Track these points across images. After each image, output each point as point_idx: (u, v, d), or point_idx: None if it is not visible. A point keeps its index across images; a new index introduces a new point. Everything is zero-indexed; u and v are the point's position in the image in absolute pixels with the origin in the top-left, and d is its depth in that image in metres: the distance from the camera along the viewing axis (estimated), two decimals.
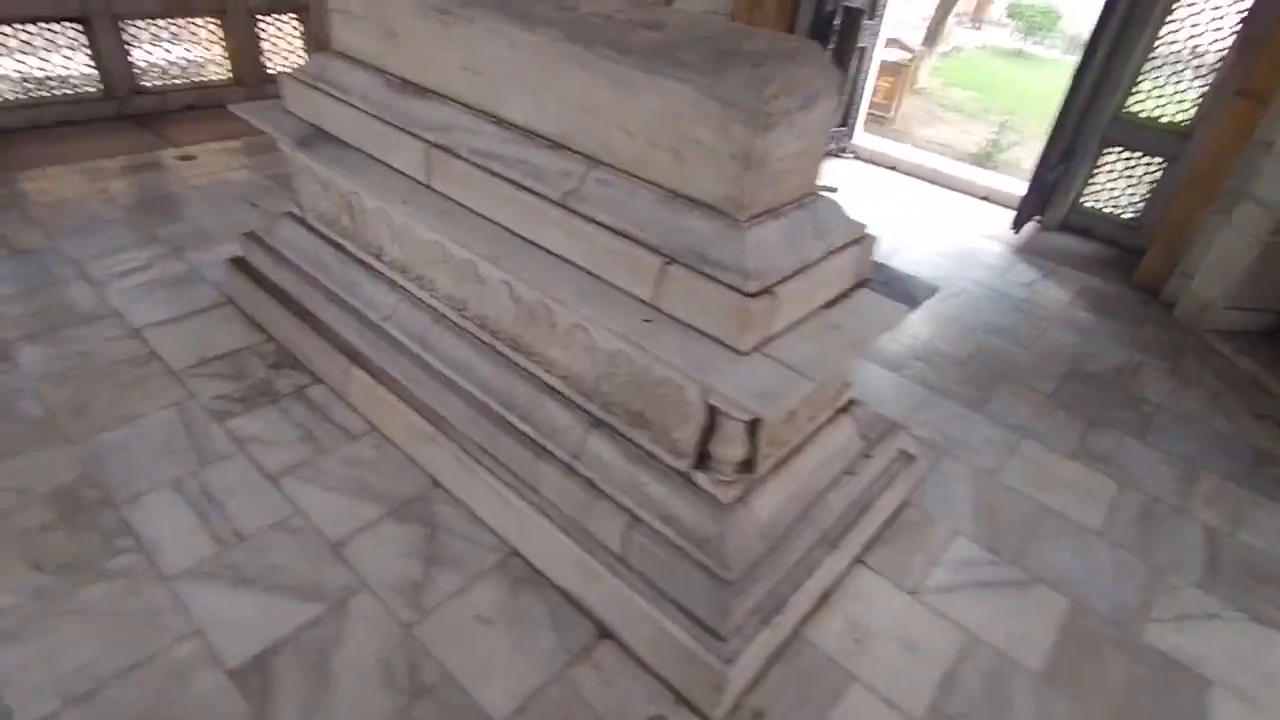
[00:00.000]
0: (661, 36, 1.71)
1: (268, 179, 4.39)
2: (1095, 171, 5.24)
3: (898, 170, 6.40)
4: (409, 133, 2.24)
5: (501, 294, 2.18)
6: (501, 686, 1.91)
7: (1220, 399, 3.63)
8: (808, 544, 2.11)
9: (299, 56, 5.70)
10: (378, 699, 1.84)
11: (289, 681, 1.86)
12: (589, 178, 1.89)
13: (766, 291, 1.64)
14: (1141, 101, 4.93)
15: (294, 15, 5.54)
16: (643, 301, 1.79)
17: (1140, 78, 4.88)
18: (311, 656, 1.92)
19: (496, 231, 2.05)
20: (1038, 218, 5.44)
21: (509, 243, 1.99)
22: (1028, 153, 9.34)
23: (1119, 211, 5.26)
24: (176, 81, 5.20)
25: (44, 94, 4.67)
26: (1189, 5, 4.59)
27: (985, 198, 5.96)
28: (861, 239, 1.96)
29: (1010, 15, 18.01)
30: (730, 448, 1.80)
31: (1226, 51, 4.50)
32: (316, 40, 5.59)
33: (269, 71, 5.53)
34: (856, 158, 6.58)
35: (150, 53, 5.02)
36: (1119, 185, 5.21)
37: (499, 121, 2.11)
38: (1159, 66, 4.81)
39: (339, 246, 2.76)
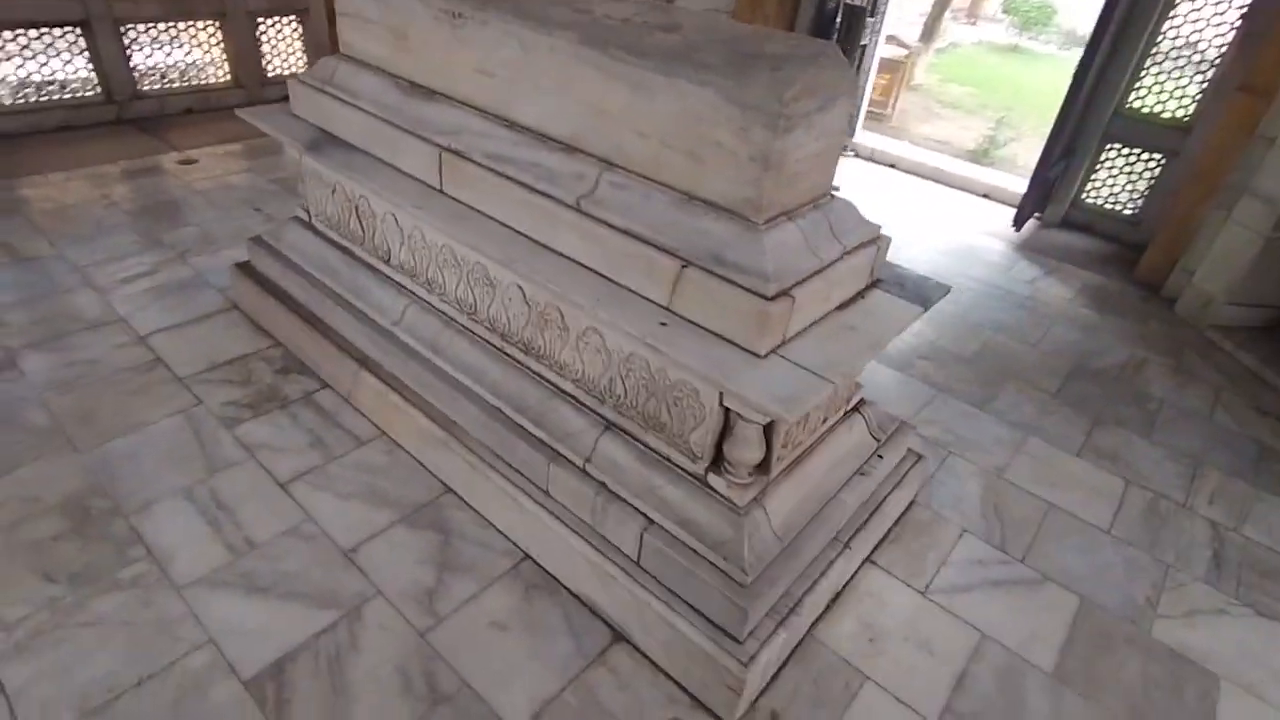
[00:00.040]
0: (679, 39, 1.70)
1: (271, 183, 4.38)
2: (1096, 168, 5.25)
3: (897, 168, 6.41)
4: (420, 136, 2.23)
5: (514, 297, 2.18)
6: (519, 692, 1.91)
7: (1223, 394, 3.65)
8: (821, 544, 2.12)
9: (299, 59, 5.68)
10: (396, 707, 1.84)
11: (305, 690, 1.85)
12: (603, 180, 1.88)
13: (785, 294, 1.64)
14: (1142, 97, 4.95)
15: (294, 17, 5.53)
16: (658, 305, 1.78)
17: (1141, 74, 4.89)
18: (327, 665, 1.91)
19: (510, 235, 2.04)
20: (1038, 214, 5.45)
21: (522, 246, 1.99)
22: (1025, 149, 9.35)
23: (1119, 208, 5.27)
24: (176, 85, 5.18)
25: (44, 99, 4.65)
26: (1190, 1, 4.60)
27: (985, 195, 5.97)
28: (876, 239, 1.96)
29: (1006, 10, 18.01)
30: (746, 450, 1.80)
31: (1227, 47, 4.51)
32: (316, 42, 5.57)
33: (269, 74, 5.51)
34: (856, 155, 6.58)
35: (150, 56, 5.00)
36: (1119, 181, 5.22)
37: (511, 124, 2.11)
38: (1160, 62, 4.82)
39: (347, 251, 2.75)
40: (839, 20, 5.53)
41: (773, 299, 1.62)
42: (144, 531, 2.20)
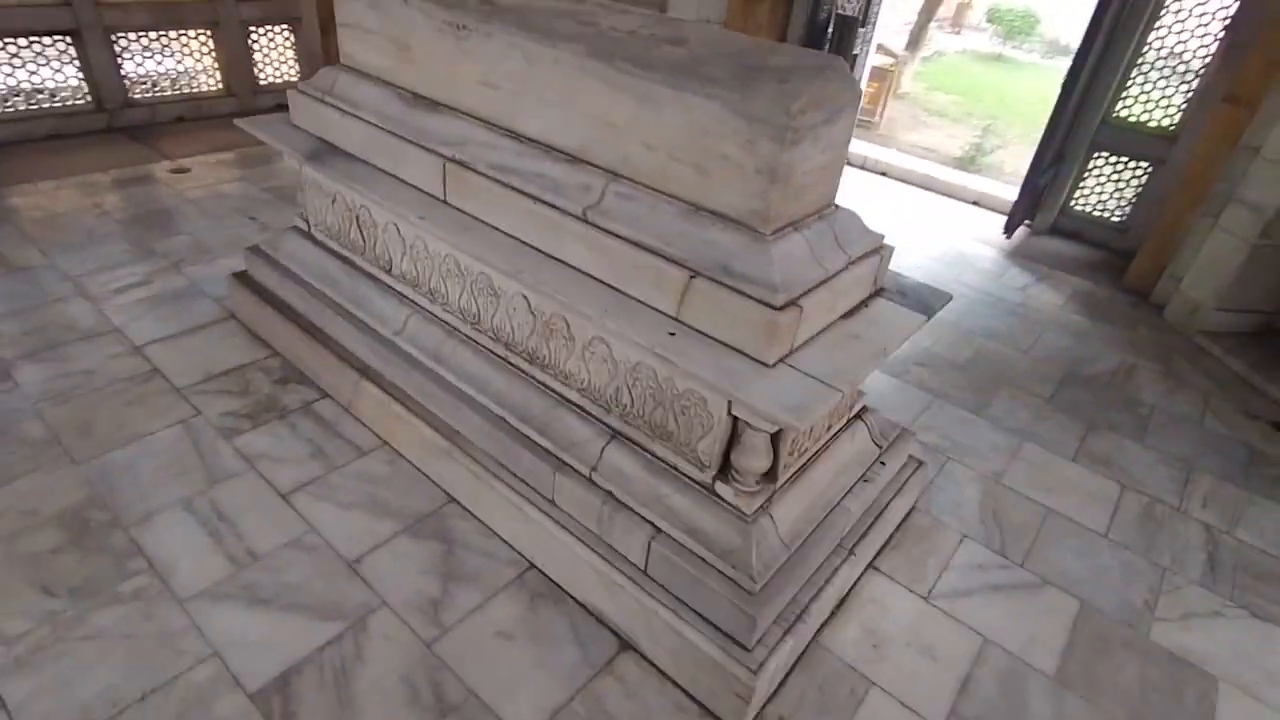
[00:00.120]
0: (685, 52, 1.72)
1: (265, 191, 4.36)
2: (1084, 176, 5.33)
3: (888, 175, 6.48)
4: (423, 147, 2.23)
5: (518, 307, 2.18)
6: (526, 702, 1.90)
7: (1212, 400, 3.70)
8: (826, 551, 2.13)
9: (291, 67, 5.66)
10: (403, 718, 1.83)
11: (311, 703, 1.84)
12: (609, 191, 1.89)
13: (793, 304, 1.65)
14: (1129, 106, 5.03)
15: (286, 26, 5.51)
16: (667, 315, 1.80)
17: (1128, 83, 4.97)
18: (333, 677, 1.90)
19: (515, 246, 2.05)
20: (1028, 221, 5.51)
21: (529, 257, 2.00)
22: (1010, 156, 9.48)
23: (1108, 215, 5.35)
24: (167, 93, 5.15)
25: (34, 107, 4.61)
26: (1175, 12, 4.69)
27: (975, 202, 6.04)
28: (880, 249, 1.98)
29: (989, 20, 18.27)
30: (753, 459, 1.81)
31: (1211, 58, 4.60)
32: (308, 52, 5.56)
33: (261, 83, 5.50)
34: (848, 164, 6.64)
35: (141, 64, 4.97)
36: (1107, 189, 5.30)
37: (515, 136, 2.12)
38: (1145, 72, 4.90)
39: (347, 260, 2.75)
40: (830, 30, 5.59)
41: (781, 309, 1.63)
42: (144, 544, 2.18)
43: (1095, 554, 2.65)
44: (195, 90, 5.29)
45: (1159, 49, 4.83)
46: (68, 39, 4.59)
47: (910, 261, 4.73)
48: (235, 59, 5.30)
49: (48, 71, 4.62)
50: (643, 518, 1.99)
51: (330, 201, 2.70)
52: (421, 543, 2.30)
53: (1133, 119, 5.04)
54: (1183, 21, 4.69)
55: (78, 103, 4.76)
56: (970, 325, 4.11)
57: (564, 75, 1.92)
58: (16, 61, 4.48)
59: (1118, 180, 5.23)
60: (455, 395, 2.37)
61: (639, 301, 1.84)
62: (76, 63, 4.67)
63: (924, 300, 2.07)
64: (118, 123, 4.89)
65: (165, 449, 2.51)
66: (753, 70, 1.62)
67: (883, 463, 2.38)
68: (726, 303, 1.68)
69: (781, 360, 1.70)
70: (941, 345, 3.86)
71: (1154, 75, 4.89)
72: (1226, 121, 4.16)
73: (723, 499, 1.90)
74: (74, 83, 4.73)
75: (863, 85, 6.58)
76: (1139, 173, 5.11)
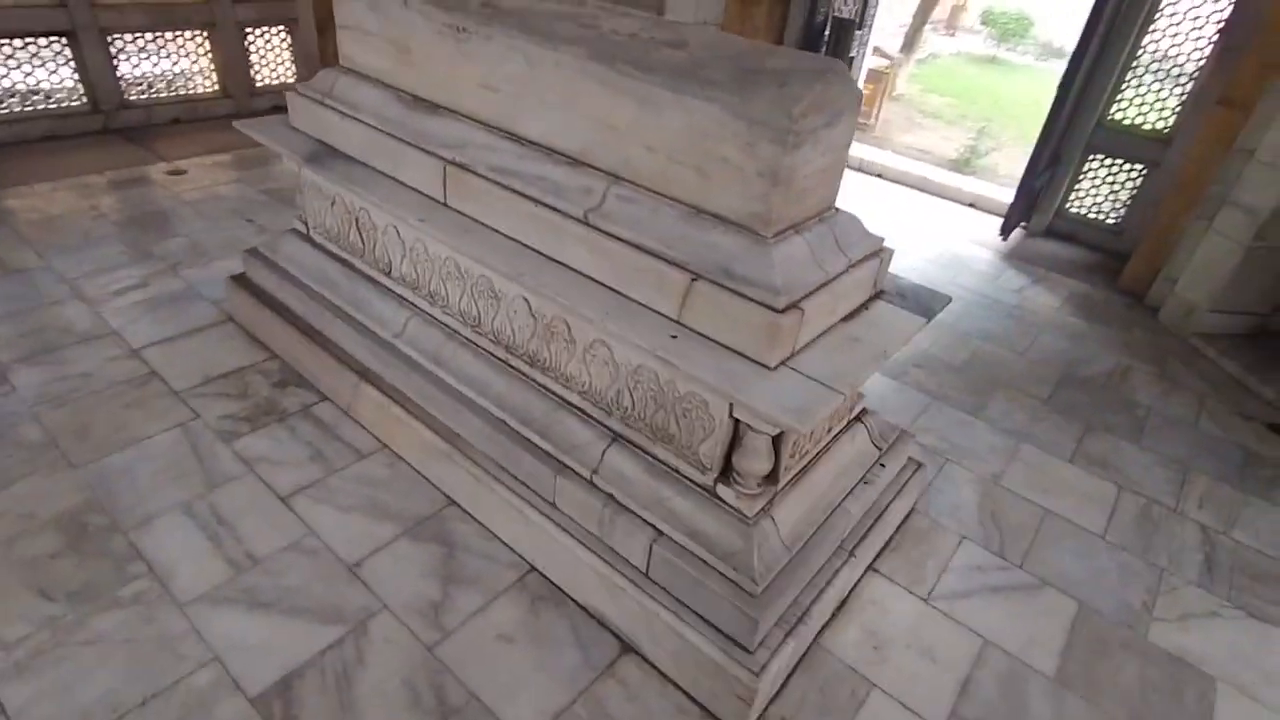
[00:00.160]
0: (685, 55, 1.73)
1: (262, 193, 4.35)
2: (1079, 178, 5.35)
3: (884, 177, 6.50)
4: (423, 149, 2.23)
5: (519, 310, 2.18)
6: (527, 705, 1.90)
7: (1207, 401, 3.72)
8: (827, 553, 2.14)
9: (287, 69, 5.65)
10: None
11: (313, 706, 1.84)
12: (610, 194, 1.90)
13: (794, 307, 1.66)
14: (1124, 109, 5.06)
15: (283, 27, 5.50)
16: (668, 318, 1.80)
17: (1123, 86, 5.00)
18: (334, 681, 1.90)
19: (516, 248, 2.05)
20: (1024, 224, 5.54)
21: (530, 259, 2.00)
22: (1005, 158, 9.51)
23: (1103, 217, 5.37)
24: (163, 95, 5.13)
25: (29, 108, 4.59)
26: (1169, 15, 4.72)
27: (971, 204, 6.06)
28: (879, 252, 1.99)
29: (984, 22, 18.32)
30: (755, 461, 1.82)
31: (1204, 61, 4.63)
32: (305, 53, 5.55)
33: (257, 84, 5.48)
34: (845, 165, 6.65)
35: (137, 66, 4.95)
36: (1102, 191, 5.32)
37: (516, 138, 2.12)
38: (1140, 75, 4.93)
39: (347, 263, 2.74)
40: (827, 33, 5.60)
41: (783, 312, 1.64)
42: (143, 547, 2.17)
43: (1093, 555, 2.66)
44: (191, 92, 5.27)
45: (1153, 52, 4.86)
46: (63, 40, 4.57)
47: (906, 263, 4.74)
48: (231, 60, 5.29)
49: (43, 73, 4.60)
50: (644, 520, 1.99)
51: (330, 204, 2.70)
52: (422, 546, 2.29)
53: (1127, 122, 5.06)
54: (1177, 25, 4.72)
55: (73, 104, 4.74)
56: (967, 327, 4.12)
57: (565, 78, 1.92)
58: (12, 63, 4.46)
59: (1113, 183, 5.26)
60: (455, 398, 2.37)
61: (640, 304, 1.85)
62: (72, 64, 4.65)
63: (923, 302, 2.08)
64: (113, 124, 4.87)
65: (164, 452, 2.50)
66: (753, 73, 1.63)
67: (882, 465, 2.39)
68: (728, 305, 1.68)
69: (783, 363, 1.71)
70: (939, 347, 3.87)
71: (1148, 78, 4.92)
72: (1221, 124, 4.18)
73: (724, 501, 1.90)
74: (69, 84, 4.71)
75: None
76: (1134, 175, 5.14)
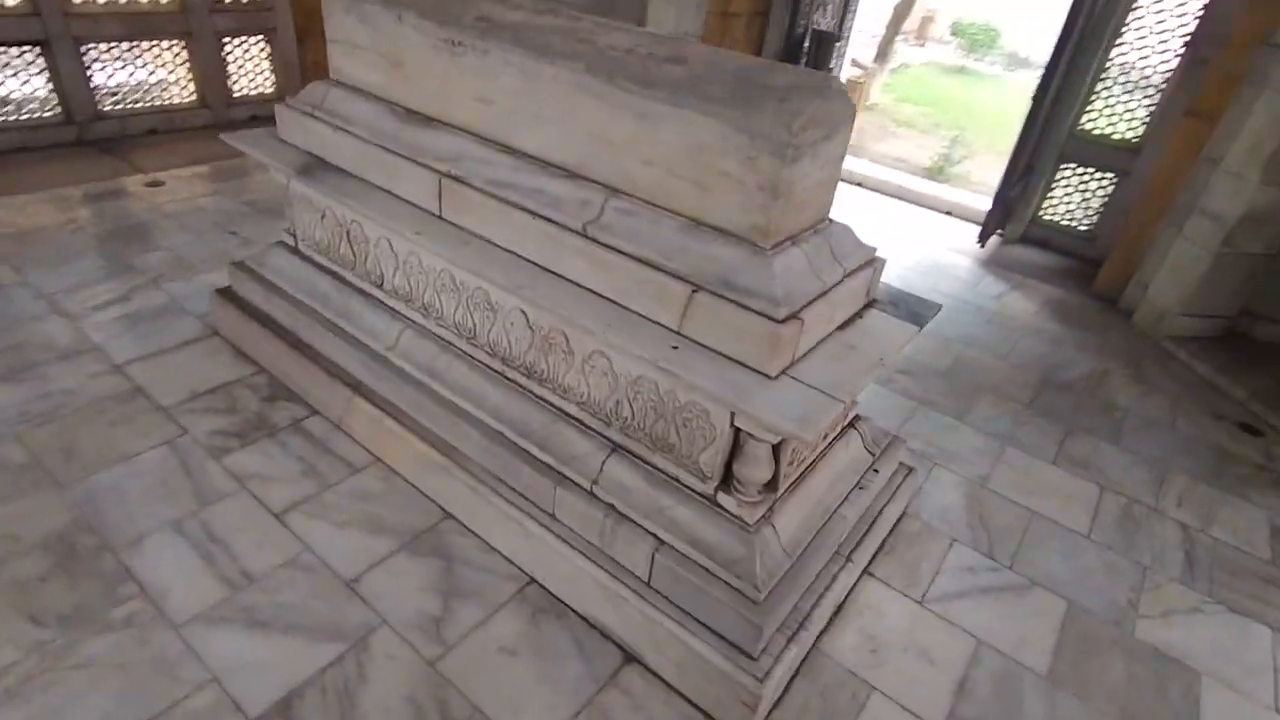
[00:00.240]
0: (685, 70, 1.75)
1: (243, 205, 4.29)
2: (1053, 186, 5.49)
3: (864, 186, 6.60)
4: (418, 162, 2.23)
5: (516, 322, 2.18)
6: (532, 718, 1.90)
7: (1182, 402, 3.83)
8: (825, 558, 2.16)
9: (266, 78, 5.60)
10: None
11: None
12: (609, 207, 1.91)
13: (794, 317, 1.68)
14: (1094, 120, 5.20)
15: (261, 37, 5.45)
16: (669, 329, 1.82)
17: (1093, 97, 5.14)
18: (337, 698, 1.88)
19: (514, 261, 2.06)
20: (1000, 231, 5.66)
21: (528, 272, 2.01)
22: (977, 166, 9.69)
23: (1075, 224, 5.51)
24: (139, 105, 5.05)
25: (0, 120, 4.49)
26: (1136, 29, 4.87)
27: (948, 212, 6.18)
28: (873, 261, 2.03)
29: (953, 33, 18.69)
30: (756, 469, 1.84)
31: (1171, 73, 4.78)
32: (284, 62, 5.50)
33: (235, 94, 5.42)
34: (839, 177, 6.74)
35: (112, 76, 4.87)
36: (1075, 199, 5.46)
37: (511, 151, 2.13)
38: (1109, 86, 5.08)
39: (337, 276, 2.72)
40: (807, 45, 5.69)
41: (783, 322, 1.66)
42: (135, 568, 2.13)
43: (1079, 554, 2.72)
44: (168, 102, 5.20)
45: (1122, 64, 5.01)
46: (36, 49, 4.49)
47: (888, 271, 4.77)
48: (209, 70, 5.22)
49: (15, 83, 4.50)
50: (645, 530, 2.00)
51: (320, 217, 2.68)
52: (420, 560, 2.28)
53: (1098, 131, 5.20)
54: (1144, 38, 4.87)
55: (46, 115, 4.65)
56: (949, 333, 4.20)
57: (562, 92, 1.94)
58: None
59: (1085, 191, 5.39)
60: (451, 410, 2.37)
61: (641, 316, 1.86)
62: (46, 74, 4.57)
63: (914, 310, 2.12)
64: (88, 135, 4.79)
65: (152, 470, 2.46)
66: (753, 89, 1.66)
67: (876, 470, 2.42)
68: (729, 316, 1.71)
69: (784, 372, 1.73)
70: (923, 353, 3.93)
71: (1117, 89, 5.06)
72: (1188, 135, 4.32)
73: (725, 510, 1.92)
74: (42, 94, 4.62)
75: None
76: (1105, 183, 5.28)
